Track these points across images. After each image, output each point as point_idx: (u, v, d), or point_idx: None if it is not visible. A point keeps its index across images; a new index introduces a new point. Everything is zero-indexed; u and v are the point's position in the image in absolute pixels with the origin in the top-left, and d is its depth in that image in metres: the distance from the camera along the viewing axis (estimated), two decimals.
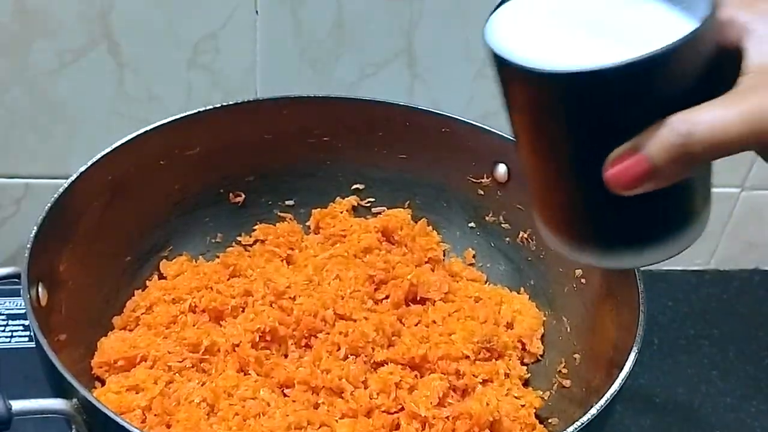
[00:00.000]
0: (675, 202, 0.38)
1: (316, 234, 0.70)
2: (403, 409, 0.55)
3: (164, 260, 0.66)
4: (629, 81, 0.33)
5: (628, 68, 0.33)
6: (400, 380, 0.56)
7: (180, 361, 0.56)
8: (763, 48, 0.35)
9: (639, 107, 0.34)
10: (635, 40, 0.34)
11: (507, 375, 0.59)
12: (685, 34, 0.33)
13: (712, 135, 0.33)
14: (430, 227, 0.71)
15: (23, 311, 0.49)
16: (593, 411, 0.45)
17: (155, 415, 0.53)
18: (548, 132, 0.38)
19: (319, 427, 0.53)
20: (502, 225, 0.68)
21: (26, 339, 0.70)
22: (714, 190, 0.41)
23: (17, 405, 0.43)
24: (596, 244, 0.40)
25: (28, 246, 0.51)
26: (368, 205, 0.72)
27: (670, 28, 0.34)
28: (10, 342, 0.70)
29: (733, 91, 0.34)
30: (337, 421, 0.54)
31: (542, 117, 0.37)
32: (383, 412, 0.55)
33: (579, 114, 0.35)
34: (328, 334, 0.59)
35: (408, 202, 0.71)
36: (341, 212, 0.70)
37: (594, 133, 0.36)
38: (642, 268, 0.50)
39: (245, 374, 0.56)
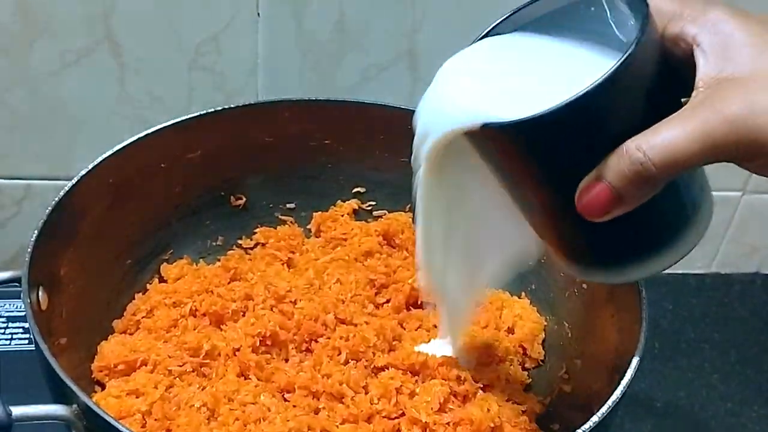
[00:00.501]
0: (659, 213, 0.38)
1: (317, 237, 0.70)
2: (403, 414, 0.54)
3: (165, 263, 0.66)
4: (571, 120, 0.34)
5: (565, 110, 0.33)
6: (401, 385, 0.56)
7: (180, 366, 0.56)
8: (709, 61, 0.35)
9: (593, 140, 0.35)
10: (575, 79, 0.35)
11: (508, 380, 0.59)
12: (612, 67, 0.33)
13: (665, 156, 0.33)
14: None
15: (23, 314, 0.49)
16: (595, 417, 0.45)
17: (155, 419, 0.52)
18: (516, 176, 0.39)
19: None
20: None
21: (26, 342, 0.70)
22: (715, 193, 0.41)
23: (17, 411, 0.43)
24: (599, 265, 0.41)
25: (29, 250, 0.51)
26: (369, 208, 0.72)
27: (608, 62, 0.35)
28: (9, 345, 0.70)
29: (685, 107, 0.34)
30: (337, 426, 0.53)
31: (505, 164, 0.38)
32: (384, 417, 0.54)
33: (535, 157, 0.36)
34: (329, 338, 0.59)
35: (409, 205, 0.71)
36: (342, 215, 0.70)
37: (557, 171, 0.37)
38: None
39: (246, 379, 0.56)
